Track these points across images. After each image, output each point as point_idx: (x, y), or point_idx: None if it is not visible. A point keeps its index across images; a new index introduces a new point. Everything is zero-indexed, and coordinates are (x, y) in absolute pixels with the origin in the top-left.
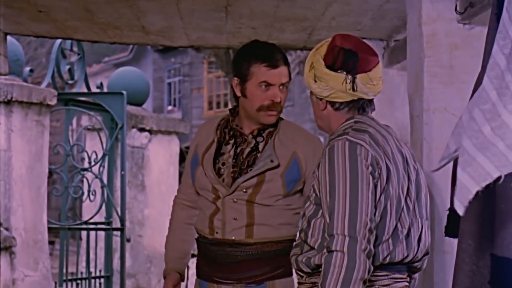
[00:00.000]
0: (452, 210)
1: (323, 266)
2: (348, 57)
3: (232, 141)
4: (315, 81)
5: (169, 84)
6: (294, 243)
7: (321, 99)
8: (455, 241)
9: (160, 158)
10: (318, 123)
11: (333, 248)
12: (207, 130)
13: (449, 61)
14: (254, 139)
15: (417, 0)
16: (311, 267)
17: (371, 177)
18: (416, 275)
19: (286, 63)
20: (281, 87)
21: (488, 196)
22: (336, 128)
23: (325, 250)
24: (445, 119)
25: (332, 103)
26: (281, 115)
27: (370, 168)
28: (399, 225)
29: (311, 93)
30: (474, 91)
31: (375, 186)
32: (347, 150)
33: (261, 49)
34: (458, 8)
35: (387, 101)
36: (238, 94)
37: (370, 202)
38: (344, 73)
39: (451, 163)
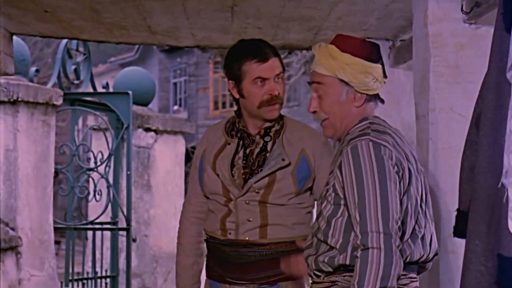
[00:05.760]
0: (460, 210)
1: (358, 265)
2: (378, 49)
3: (240, 143)
4: (366, 77)
5: (175, 84)
6: (306, 244)
7: (360, 94)
8: (460, 241)
9: (166, 158)
10: (337, 125)
11: (369, 245)
12: (214, 135)
13: (455, 61)
14: (262, 139)
15: (423, 0)
16: (334, 267)
17: (397, 177)
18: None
19: (276, 54)
20: (276, 79)
21: (496, 196)
22: (350, 126)
23: (349, 249)
24: (451, 119)
25: (369, 97)
26: (287, 115)
27: (396, 167)
28: (416, 226)
29: (347, 91)
30: (481, 91)
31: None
32: (372, 150)
33: (248, 46)
34: (464, 8)
35: (393, 101)
36: (236, 96)
37: (398, 201)
38: (380, 63)
39: (459, 163)
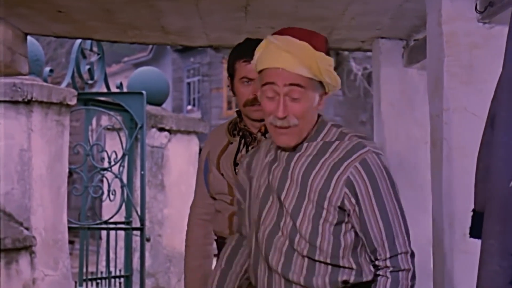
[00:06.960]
0: (475, 211)
1: (388, 285)
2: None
3: (242, 141)
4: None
5: (188, 84)
6: (280, 262)
7: (326, 93)
8: (474, 241)
9: (180, 158)
10: (303, 131)
11: (401, 267)
12: (217, 136)
13: (469, 60)
14: (264, 136)
15: None
16: (357, 283)
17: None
18: None
19: None
20: None
21: (510, 195)
22: (307, 131)
23: (366, 268)
24: (465, 118)
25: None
26: None
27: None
28: None
29: (320, 94)
30: (496, 91)
31: None
32: (380, 164)
33: (244, 45)
34: (478, 7)
35: (406, 100)
36: (232, 93)
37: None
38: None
39: (472, 163)
